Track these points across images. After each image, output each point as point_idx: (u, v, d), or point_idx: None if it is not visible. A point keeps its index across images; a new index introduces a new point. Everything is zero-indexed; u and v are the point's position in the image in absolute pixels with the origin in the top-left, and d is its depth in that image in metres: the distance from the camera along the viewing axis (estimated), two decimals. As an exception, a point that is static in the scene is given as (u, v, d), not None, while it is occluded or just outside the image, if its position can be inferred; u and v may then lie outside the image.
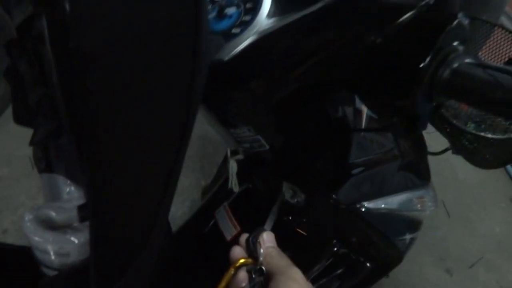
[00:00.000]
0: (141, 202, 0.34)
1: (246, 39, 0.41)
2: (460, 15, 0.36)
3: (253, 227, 0.73)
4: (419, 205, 0.60)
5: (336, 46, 0.39)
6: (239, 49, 0.41)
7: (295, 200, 0.58)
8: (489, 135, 0.59)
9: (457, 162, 2.08)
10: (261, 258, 0.42)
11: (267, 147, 0.52)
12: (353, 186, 0.51)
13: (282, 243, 0.55)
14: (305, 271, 0.63)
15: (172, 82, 0.30)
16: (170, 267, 0.83)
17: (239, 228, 0.72)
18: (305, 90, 0.44)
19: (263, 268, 0.41)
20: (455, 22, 0.35)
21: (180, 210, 1.65)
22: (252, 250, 0.43)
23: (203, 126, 2.18)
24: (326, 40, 0.39)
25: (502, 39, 0.60)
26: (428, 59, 0.34)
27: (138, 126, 0.30)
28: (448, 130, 0.64)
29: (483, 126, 0.61)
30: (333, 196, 0.50)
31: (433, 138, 0.68)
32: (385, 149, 0.57)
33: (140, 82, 0.28)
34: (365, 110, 0.58)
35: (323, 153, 0.52)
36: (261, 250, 0.43)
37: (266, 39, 0.40)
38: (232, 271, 0.42)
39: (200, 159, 1.86)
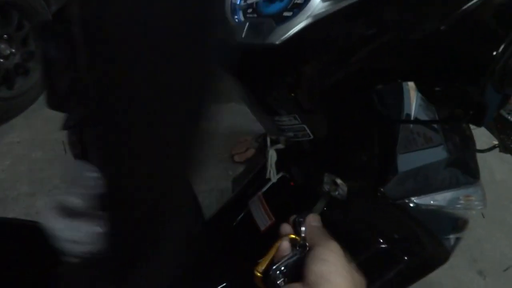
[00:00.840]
0: (163, 188, 0.34)
1: (299, 23, 0.39)
2: None
3: (287, 219, 0.72)
4: (466, 204, 0.57)
5: (395, 32, 0.37)
6: (292, 33, 0.39)
7: (336, 192, 0.57)
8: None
9: (495, 163, 2.01)
10: (303, 235, 0.46)
11: (311, 136, 0.50)
12: (401, 180, 0.49)
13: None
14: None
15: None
16: (200, 256, 0.83)
17: (273, 219, 0.70)
18: (358, 77, 0.42)
19: (306, 243, 0.45)
20: None
21: (207, 200, 1.66)
22: (297, 228, 0.47)
23: (231, 117, 2.19)
24: (385, 26, 0.37)
25: None
26: (502, 47, 0.32)
27: (158, 110, 0.29)
28: (499, 126, 0.60)
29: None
30: (381, 190, 0.48)
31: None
32: (433, 144, 0.54)
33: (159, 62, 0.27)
34: (414, 102, 0.55)
35: (370, 145, 0.50)
36: (304, 228, 0.47)
37: (321, 23, 0.38)
38: (279, 243, 0.47)
39: (228, 150, 1.86)
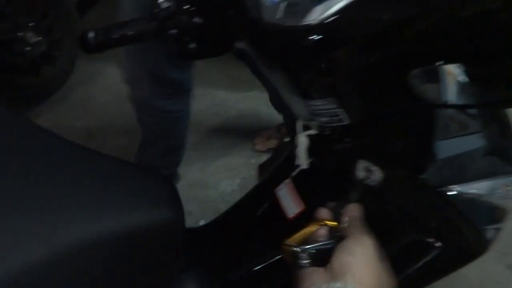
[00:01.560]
0: None
1: (338, 2, 0.37)
2: None
3: (319, 205, 0.71)
4: (506, 193, 0.55)
5: (444, 10, 0.35)
6: (332, 12, 0.37)
7: (370, 180, 0.55)
8: None
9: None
10: (343, 224, 0.46)
11: (347, 121, 0.49)
12: (441, 168, 0.47)
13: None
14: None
15: None
16: (225, 243, 0.83)
17: (303, 206, 0.69)
18: (399, 59, 0.40)
19: (343, 232, 0.46)
20: None
21: (230, 187, 1.66)
22: (337, 216, 0.47)
23: (253, 105, 2.17)
24: (434, 4, 0.35)
25: None
26: None
27: None
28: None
29: None
30: (421, 177, 0.46)
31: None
32: (472, 131, 0.52)
33: None
34: (452, 87, 0.52)
35: (408, 131, 0.48)
36: (345, 218, 0.47)
37: (362, 2, 0.36)
38: (315, 227, 0.48)
39: (251, 138, 1.85)
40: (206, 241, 0.84)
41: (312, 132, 0.57)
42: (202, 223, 1.35)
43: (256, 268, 0.74)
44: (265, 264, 0.74)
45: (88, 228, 0.47)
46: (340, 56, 0.40)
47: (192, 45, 0.56)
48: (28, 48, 1.82)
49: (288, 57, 0.43)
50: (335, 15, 0.37)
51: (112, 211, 0.52)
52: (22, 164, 0.53)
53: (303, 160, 0.61)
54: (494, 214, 0.56)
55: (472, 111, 0.52)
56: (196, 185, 1.67)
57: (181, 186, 1.66)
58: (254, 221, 0.81)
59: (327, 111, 0.48)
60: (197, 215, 1.56)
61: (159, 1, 0.54)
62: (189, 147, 1.82)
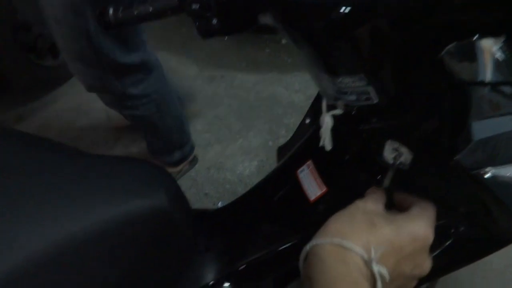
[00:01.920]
0: None
1: None
2: None
3: (341, 188, 0.69)
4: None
5: None
6: None
7: (398, 162, 0.53)
8: None
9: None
10: None
11: (376, 100, 0.46)
12: (476, 149, 0.44)
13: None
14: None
15: None
16: (244, 225, 0.82)
17: (325, 188, 0.68)
18: (437, 32, 0.38)
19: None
20: None
21: (248, 170, 1.66)
22: None
23: (272, 87, 2.15)
24: None
25: None
26: None
27: None
28: None
29: None
30: (455, 159, 0.44)
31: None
32: (509, 112, 0.49)
33: None
34: (489, 65, 0.49)
35: (441, 110, 0.46)
36: None
37: None
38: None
39: (269, 120, 1.84)
40: (226, 222, 0.83)
41: (337, 111, 0.55)
42: (220, 205, 1.35)
43: (277, 249, 0.74)
44: (285, 246, 0.74)
45: (78, 223, 0.49)
46: (371, 30, 0.38)
47: (215, 21, 0.54)
48: (47, 30, 1.82)
49: (316, 31, 0.40)
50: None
51: (102, 204, 0.52)
52: (19, 168, 0.55)
53: (327, 141, 0.59)
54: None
55: (508, 91, 0.49)
56: (213, 167, 1.67)
57: (199, 169, 1.66)
58: (274, 203, 0.80)
59: (356, 89, 0.46)
60: (214, 197, 1.56)
61: None
62: (206, 129, 1.82)
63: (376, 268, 0.38)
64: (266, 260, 0.74)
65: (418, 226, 0.42)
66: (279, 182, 0.80)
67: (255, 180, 1.63)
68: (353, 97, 0.48)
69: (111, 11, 0.57)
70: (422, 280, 0.46)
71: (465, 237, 0.58)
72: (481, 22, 0.37)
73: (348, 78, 0.44)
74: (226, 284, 0.73)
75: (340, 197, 0.65)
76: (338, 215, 0.44)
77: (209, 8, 0.52)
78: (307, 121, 0.91)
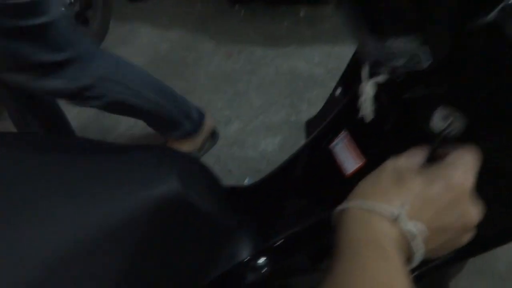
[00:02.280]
0: None
1: None
2: None
3: (381, 159, 0.66)
4: None
5: None
6: None
7: (449, 130, 0.50)
8: None
9: None
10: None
11: (428, 63, 0.43)
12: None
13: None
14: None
15: None
16: (277, 202, 0.81)
17: (364, 159, 0.65)
18: None
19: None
20: None
21: (270, 146, 1.64)
22: None
23: (291, 61, 2.10)
24: None
25: None
26: None
27: None
28: None
29: None
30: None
31: None
32: None
33: None
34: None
35: (500, 70, 0.42)
36: None
37: None
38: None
39: (290, 95, 1.80)
40: (257, 199, 0.82)
41: (381, 79, 0.51)
42: (247, 181, 1.34)
43: (311, 224, 0.72)
44: (320, 221, 0.72)
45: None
46: None
47: None
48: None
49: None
50: None
51: (114, 198, 0.52)
52: (40, 166, 0.56)
53: (368, 112, 0.56)
54: None
55: None
56: (235, 144, 1.65)
57: (221, 146, 1.65)
58: (306, 178, 0.78)
59: (406, 51, 0.43)
60: (237, 174, 1.55)
61: None
62: (226, 106, 1.80)
63: (406, 225, 0.35)
64: (302, 235, 0.72)
65: (452, 173, 0.38)
66: (312, 157, 0.77)
67: (279, 157, 1.62)
68: (401, 61, 0.44)
69: None
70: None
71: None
72: None
73: (400, 39, 0.41)
74: (262, 259, 0.71)
75: None
76: (366, 178, 0.41)
77: None
78: (338, 92, 0.88)
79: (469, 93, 0.45)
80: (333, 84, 1.81)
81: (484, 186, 0.42)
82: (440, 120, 0.50)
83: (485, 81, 0.43)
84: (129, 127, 1.79)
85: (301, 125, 1.66)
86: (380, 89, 0.53)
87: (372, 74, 0.53)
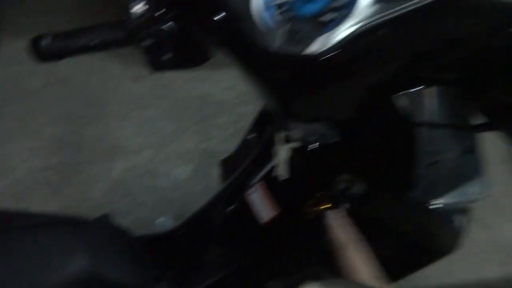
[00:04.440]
0: None
1: (345, 30, 0.35)
2: None
3: (294, 210, 0.71)
4: (473, 196, 0.59)
5: (453, 44, 0.34)
6: (338, 42, 0.35)
7: (351, 191, 0.56)
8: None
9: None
10: None
11: (336, 139, 0.48)
12: (424, 184, 0.49)
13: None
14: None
15: None
16: (195, 250, 0.81)
17: (278, 210, 0.69)
18: (398, 84, 0.40)
19: None
20: None
21: (183, 175, 1.62)
22: None
23: (201, 85, 2.10)
24: (443, 38, 0.34)
25: None
26: None
27: None
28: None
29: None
30: (410, 195, 0.47)
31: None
32: (449, 144, 0.54)
33: None
34: (434, 107, 0.54)
35: (395, 150, 0.49)
36: None
37: (372, 32, 0.35)
38: None
39: (201, 121, 1.80)
40: (174, 247, 0.81)
41: (295, 145, 0.56)
42: (161, 219, 1.31)
43: (230, 274, 0.74)
44: (239, 270, 0.74)
45: None
46: (343, 84, 0.39)
47: (168, 56, 0.51)
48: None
49: (285, 86, 0.40)
50: (339, 47, 0.35)
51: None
52: None
53: (283, 172, 0.60)
54: (464, 215, 0.60)
55: (448, 132, 0.54)
56: (147, 174, 1.60)
57: (132, 177, 1.59)
58: (223, 225, 0.80)
59: (318, 130, 0.47)
60: (150, 205, 1.51)
61: (130, 5, 0.48)
62: (136, 133, 1.74)
63: None
64: (221, 286, 0.74)
65: None
66: (228, 204, 0.79)
67: (192, 186, 1.61)
68: (313, 137, 0.49)
69: (46, 41, 0.51)
70: None
71: (418, 250, 0.64)
72: (428, 77, 0.40)
73: (312, 123, 0.45)
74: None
75: (292, 221, 0.66)
76: None
77: (163, 44, 0.50)
78: (252, 136, 0.91)
79: (367, 166, 0.51)
80: (243, 110, 1.87)
81: (377, 237, 0.49)
82: (344, 183, 0.56)
83: (382, 157, 0.50)
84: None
85: (213, 153, 1.68)
86: (294, 153, 0.58)
87: (285, 140, 0.58)
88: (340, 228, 0.47)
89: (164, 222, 1.14)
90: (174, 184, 1.59)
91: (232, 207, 0.79)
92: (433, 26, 0.34)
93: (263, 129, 0.83)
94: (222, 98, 1.93)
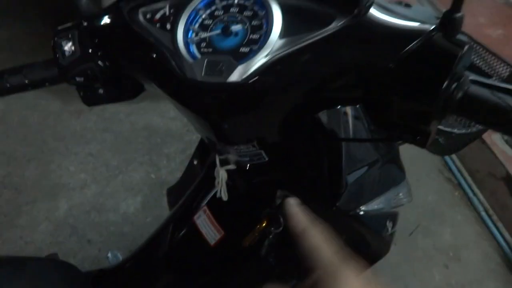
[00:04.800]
0: None
1: (259, 61, 0.40)
2: (467, 40, 0.38)
3: (239, 231, 0.74)
4: (398, 201, 0.64)
5: (351, 69, 0.40)
6: (254, 71, 0.40)
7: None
8: (455, 130, 0.65)
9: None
10: None
11: (267, 159, 0.52)
12: (350, 194, 0.54)
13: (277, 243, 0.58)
14: (298, 266, 0.65)
15: None
16: (147, 280, 0.80)
17: (223, 232, 0.71)
18: (313, 105, 0.45)
19: None
20: (466, 48, 0.37)
21: (132, 207, 1.60)
22: None
23: (147, 117, 2.09)
24: (342, 65, 0.40)
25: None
26: (446, 83, 0.36)
27: None
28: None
29: (448, 122, 0.66)
30: (336, 205, 0.52)
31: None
32: (371, 155, 0.60)
33: None
34: (350, 123, 0.60)
35: (320, 164, 0.53)
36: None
37: (282, 61, 0.39)
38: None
39: (148, 152, 1.80)
40: (126, 280, 0.80)
41: (231, 167, 0.59)
42: (110, 255, 1.28)
43: None
44: None
45: None
46: (264, 109, 0.43)
47: (101, 91, 0.53)
48: None
49: (213, 113, 0.44)
50: (256, 74, 0.39)
51: None
52: None
53: (223, 193, 0.63)
54: (390, 220, 0.66)
55: (366, 145, 0.60)
56: (93, 210, 1.56)
57: (78, 214, 1.54)
58: (174, 252, 0.80)
59: (250, 152, 0.51)
60: (98, 242, 1.47)
61: (61, 44, 0.50)
62: (80, 169, 1.70)
63: None
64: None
65: None
66: (177, 230, 0.80)
67: (142, 217, 1.59)
68: (247, 158, 0.53)
69: None
70: None
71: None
72: (343, 98, 0.45)
73: (242, 146, 0.49)
74: None
75: (237, 241, 0.69)
76: None
77: (95, 80, 0.52)
78: (195, 162, 0.93)
79: (298, 181, 0.55)
80: (190, 138, 1.89)
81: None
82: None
83: (309, 171, 0.54)
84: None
85: (162, 183, 1.68)
86: (232, 174, 0.61)
87: (222, 162, 0.61)
88: (299, 214, 0.49)
89: (113, 257, 1.12)
90: (124, 217, 1.56)
91: (181, 233, 0.80)
92: (328, 55, 0.39)
93: (206, 154, 0.86)
94: (169, 128, 1.94)
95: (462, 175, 2.07)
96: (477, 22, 3.51)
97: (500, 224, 1.85)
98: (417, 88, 0.38)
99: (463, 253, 1.75)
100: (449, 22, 0.38)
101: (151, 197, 1.63)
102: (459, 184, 2.04)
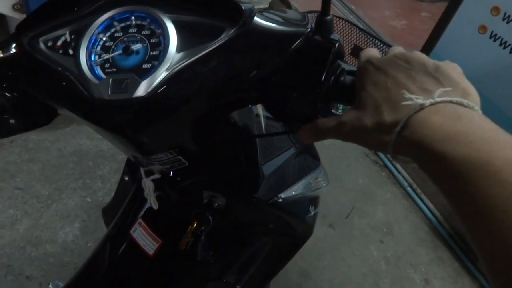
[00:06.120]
0: None
1: (160, 75, 0.44)
2: (338, 37, 0.45)
3: (174, 236, 0.77)
4: (316, 185, 0.71)
5: (244, 73, 0.45)
6: (157, 84, 0.43)
7: (216, 204, 0.64)
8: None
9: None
10: None
11: (187, 163, 0.56)
12: (268, 184, 0.59)
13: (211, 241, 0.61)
14: (235, 260, 0.69)
15: None
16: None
17: (160, 241, 0.74)
18: (222, 107, 0.49)
19: None
20: (337, 45, 0.44)
21: (71, 234, 1.55)
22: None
23: (76, 140, 2.02)
24: (236, 69, 0.45)
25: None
26: (324, 75, 0.42)
27: None
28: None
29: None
30: (255, 196, 0.57)
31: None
32: (284, 146, 0.66)
33: None
34: (262, 120, 0.65)
35: (237, 160, 0.58)
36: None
37: (181, 73, 0.43)
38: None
39: (81, 176, 1.75)
40: None
41: (156, 176, 0.62)
42: (50, 286, 1.23)
43: None
44: None
45: None
46: (174, 117, 0.46)
47: (12, 121, 0.54)
48: None
49: (126, 127, 0.47)
50: (159, 88, 0.43)
51: None
52: None
53: (153, 202, 0.65)
54: (312, 203, 0.72)
55: (279, 138, 0.66)
56: (29, 244, 1.49)
57: (11, 252, 1.46)
58: (115, 269, 0.81)
59: (169, 160, 0.54)
60: (38, 278, 1.41)
61: None
62: (7, 205, 1.61)
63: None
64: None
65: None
66: (115, 247, 0.81)
67: (82, 244, 1.54)
68: (167, 166, 0.56)
69: None
70: None
71: (281, 245, 0.74)
72: (243, 99, 0.50)
73: (160, 154, 0.52)
74: None
75: (174, 246, 0.72)
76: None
77: (4, 111, 0.52)
78: (126, 178, 0.94)
79: (220, 179, 0.60)
80: (124, 156, 1.88)
81: (252, 240, 0.57)
82: (208, 199, 0.64)
83: (229, 169, 0.59)
84: None
85: (100, 205, 1.64)
86: (159, 182, 0.64)
87: (147, 172, 0.64)
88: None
89: (54, 287, 1.09)
90: (62, 247, 1.50)
91: (119, 250, 0.81)
92: (221, 63, 0.44)
93: (136, 169, 0.88)
94: (99, 149, 1.90)
95: (386, 155, 2.25)
96: (383, 15, 3.82)
97: (423, 196, 2.04)
98: (303, 80, 0.44)
99: (395, 227, 1.91)
100: (321, 24, 0.45)
101: (90, 221, 1.59)
102: (385, 165, 2.21)
